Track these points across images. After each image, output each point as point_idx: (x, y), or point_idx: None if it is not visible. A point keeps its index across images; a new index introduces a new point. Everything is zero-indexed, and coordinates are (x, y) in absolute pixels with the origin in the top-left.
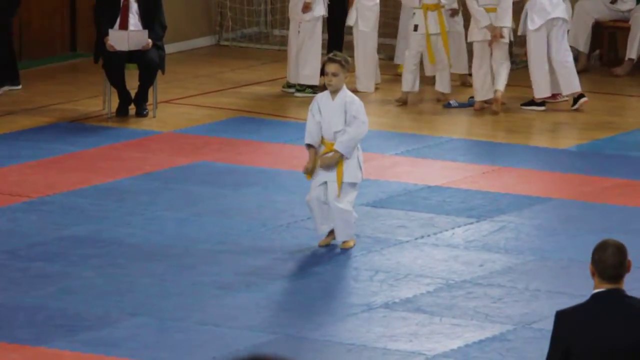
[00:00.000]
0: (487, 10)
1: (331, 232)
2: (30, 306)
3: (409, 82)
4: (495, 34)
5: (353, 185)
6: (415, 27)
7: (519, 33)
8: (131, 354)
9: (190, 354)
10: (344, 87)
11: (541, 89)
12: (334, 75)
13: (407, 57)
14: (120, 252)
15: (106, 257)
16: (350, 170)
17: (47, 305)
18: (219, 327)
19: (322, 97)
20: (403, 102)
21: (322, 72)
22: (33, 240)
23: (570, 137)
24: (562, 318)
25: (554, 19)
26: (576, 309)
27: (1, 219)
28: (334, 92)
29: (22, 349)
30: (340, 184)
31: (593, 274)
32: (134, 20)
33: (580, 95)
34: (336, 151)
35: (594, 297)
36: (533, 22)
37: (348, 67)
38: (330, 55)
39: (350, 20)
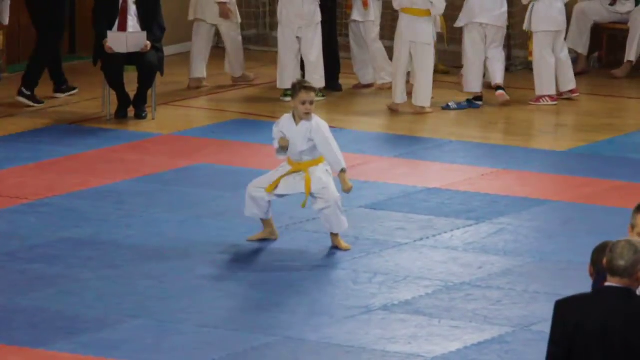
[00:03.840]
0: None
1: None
2: (29, 308)
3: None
4: None
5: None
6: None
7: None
8: (130, 356)
9: (190, 356)
10: None
11: (470, 84)
12: (311, 103)
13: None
14: (119, 254)
15: (105, 259)
16: (316, 180)
17: (46, 308)
18: (218, 329)
19: (284, 122)
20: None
21: (292, 96)
22: (32, 243)
23: (569, 139)
24: (563, 304)
25: (482, 23)
26: (579, 295)
27: (0, 221)
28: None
29: (21, 351)
30: (308, 195)
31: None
32: (132, 22)
33: (498, 87)
34: (343, 170)
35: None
36: (459, 20)
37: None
38: (304, 83)
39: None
